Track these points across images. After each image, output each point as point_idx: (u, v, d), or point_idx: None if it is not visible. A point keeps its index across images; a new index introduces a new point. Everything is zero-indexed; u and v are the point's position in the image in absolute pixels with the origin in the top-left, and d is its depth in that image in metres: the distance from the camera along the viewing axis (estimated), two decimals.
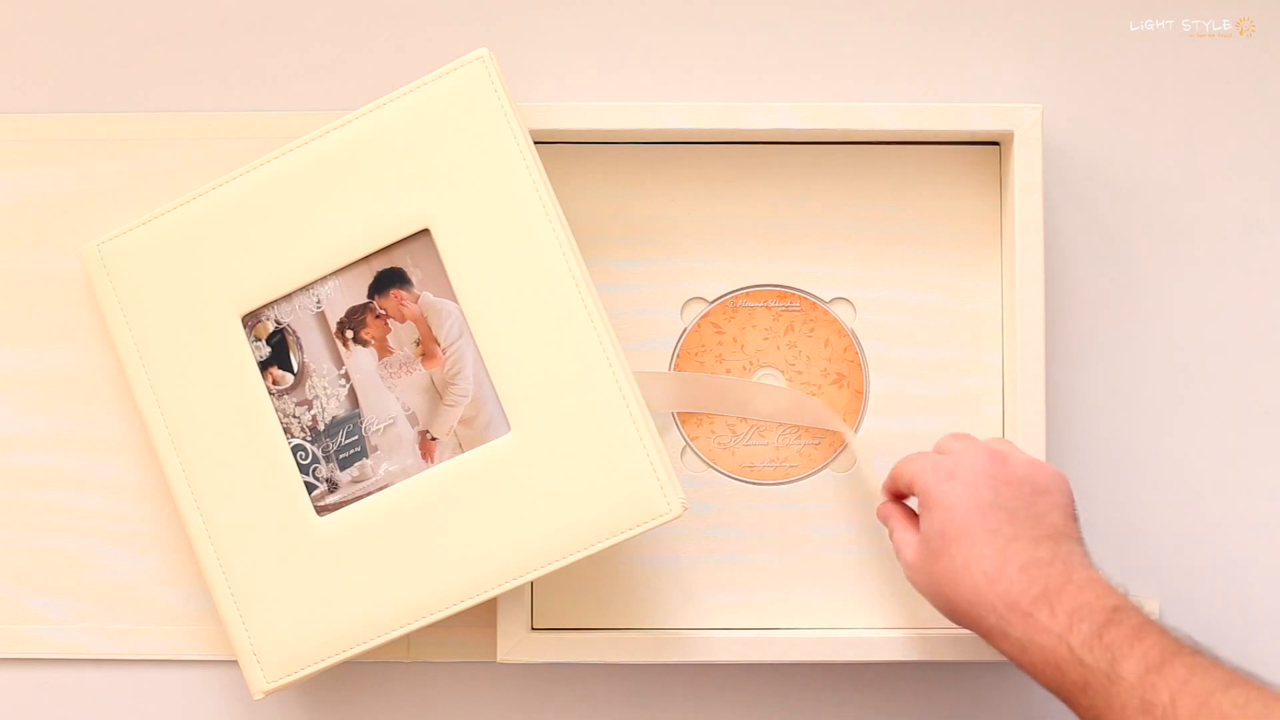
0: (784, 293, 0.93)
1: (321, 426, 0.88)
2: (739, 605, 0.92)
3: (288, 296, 0.88)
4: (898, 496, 0.87)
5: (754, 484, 0.93)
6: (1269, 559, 0.94)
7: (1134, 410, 0.95)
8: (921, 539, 0.81)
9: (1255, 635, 0.94)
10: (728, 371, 0.93)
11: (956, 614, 0.80)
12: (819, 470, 0.93)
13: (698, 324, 0.93)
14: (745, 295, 0.93)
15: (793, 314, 0.93)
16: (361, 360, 0.88)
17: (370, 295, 0.87)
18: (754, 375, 0.93)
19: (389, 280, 0.87)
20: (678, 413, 0.93)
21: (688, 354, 0.93)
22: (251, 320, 0.88)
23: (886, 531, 0.88)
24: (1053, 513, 0.80)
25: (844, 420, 0.93)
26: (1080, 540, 0.80)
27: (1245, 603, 0.94)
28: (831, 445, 0.93)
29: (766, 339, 0.93)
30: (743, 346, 0.93)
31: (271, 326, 0.88)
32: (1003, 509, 0.79)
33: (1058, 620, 0.75)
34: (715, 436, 0.93)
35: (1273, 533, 0.94)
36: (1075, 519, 0.81)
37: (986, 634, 0.78)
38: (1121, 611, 0.74)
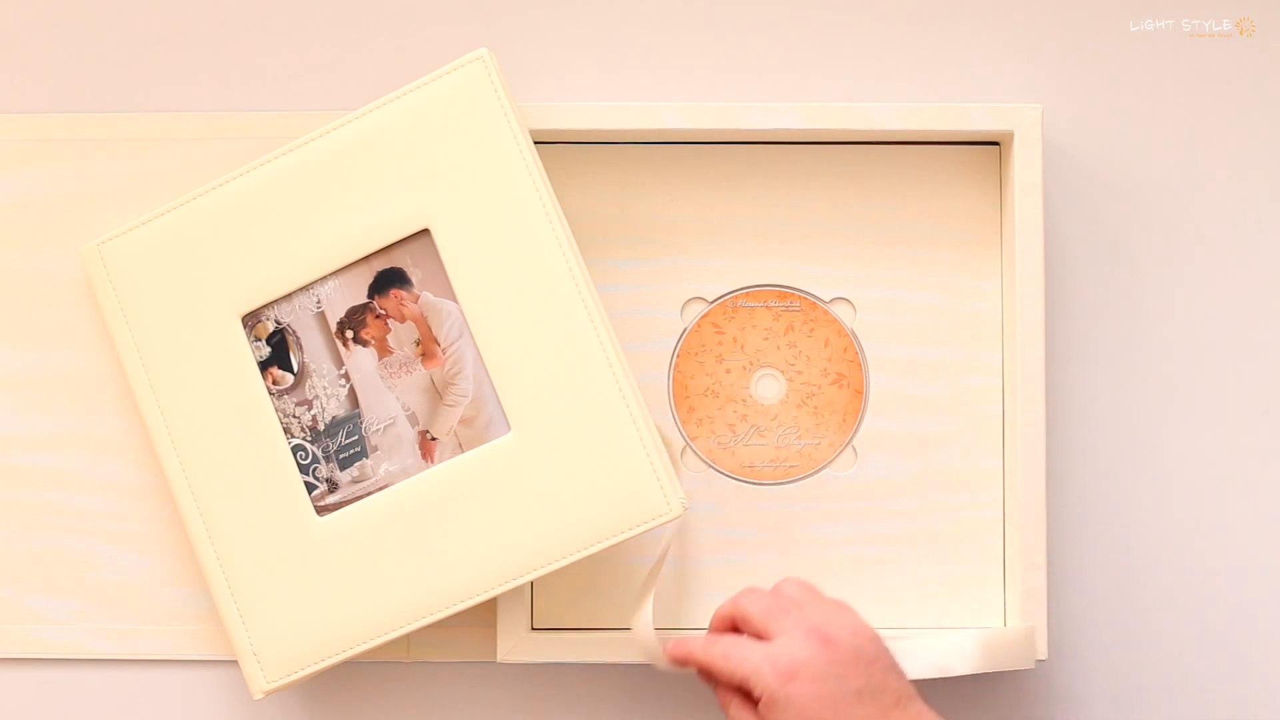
0: (784, 293, 0.93)
1: (321, 426, 0.88)
2: None
3: (288, 296, 0.88)
4: (729, 627, 0.84)
5: (754, 484, 0.93)
6: (1269, 559, 0.94)
7: (1134, 410, 0.95)
8: None
9: (1255, 635, 0.94)
10: (728, 372, 0.93)
11: None
12: (819, 470, 0.93)
13: (698, 324, 0.93)
14: (745, 295, 0.93)
15: (793, 314, 0.93)
16: (361, 360, 0.88)
17: (370, 295, 0.87)
18: (754, 375, 0.93)
19: (389, 280, 0.87)
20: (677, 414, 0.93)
21: (688, 354, 0.93)
22: (251, 320, 0.88)
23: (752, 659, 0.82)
24: (889, 676, 0.80)
25: (843, 419, 0.93)
26: (915, 693, 0.81)
27: (1245, 603, 0.94)
28: (831, 445, 0.93)
29: (766, 339, 0.93)
30: (743, 346, 0.93)
31: (271, 326, 0.88)
32: (849, 694, 0.78)
33: None
34: (715, 436, 0.93)
35: (1273, 533, 0.94)
36: (901, 671, 0.81)
37: None
38: None
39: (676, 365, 0.93)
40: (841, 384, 0.93)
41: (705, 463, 0.93)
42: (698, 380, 0.93)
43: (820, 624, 0.80)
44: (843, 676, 0.79)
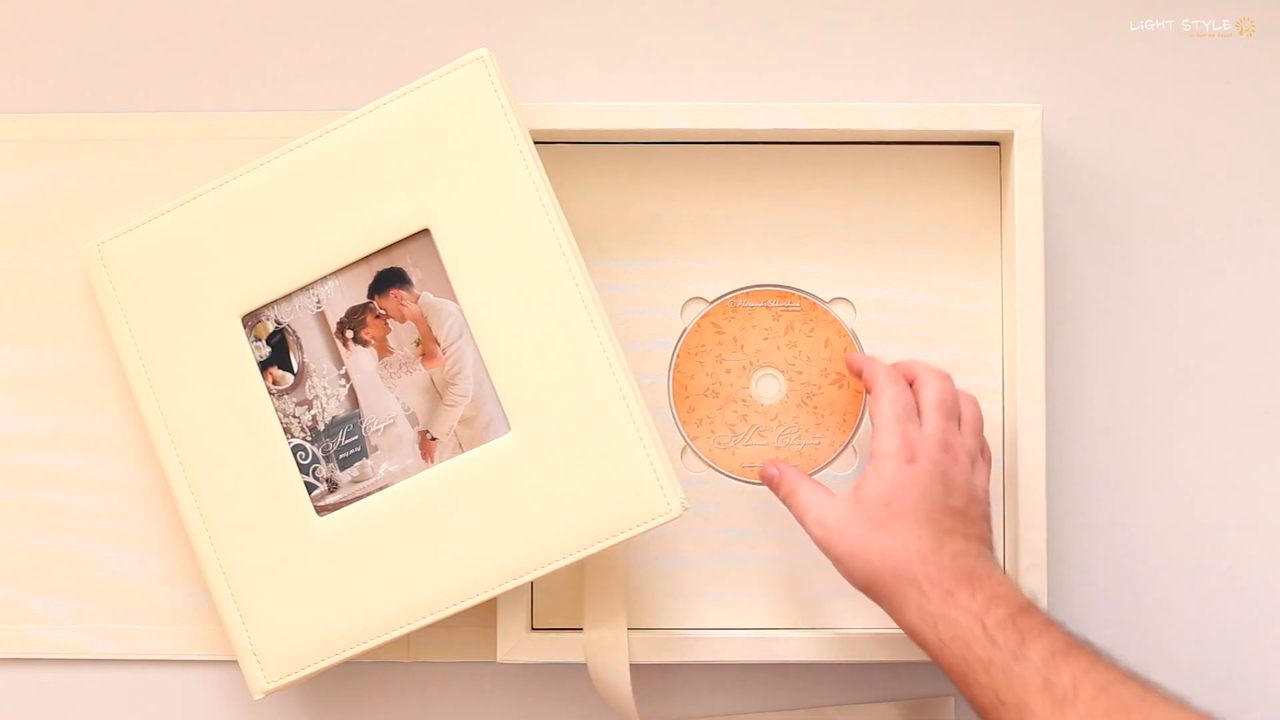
0: (784, 293, 0.93)
1: (321, 426, 0.88)
2: (739, 605, 0.92)
3: (288, 296, 0.88)
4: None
5: (754, 484, 0.93)
6: (1269, 559, 0.94)
7: (1134, 410, 0.95)
8: (859, 503, 0.83)
9: (1256, 635, 0.94)
10: (728, 372, 0.93)
11: (874, 581, 0.82)
12: (819, 470, 0.93)
13: (698, 324, 0.93)
14: (745, 295, 0.93)
15: (793, 314, 0.93)
16: (361, 360, 0.88)
17: (370, 295, 0.87)
18: (754, 375, 0.93)
19: (389, 280, 0.87)
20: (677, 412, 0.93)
21: (688, 354, 0.93)
22: (251, 320, 0.88)
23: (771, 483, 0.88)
24: (982, 522, 0.84)
25: (844, 420, 0.93)
26: (995, 549, 0.85)
27: (1244, 603, 0.94)
28: (832, 445, 0.93)
29: (766, 339, 0.93)
30: (743, 346, 0.93)
31: (271, 326, 0.88)
32: (948, 506, 0.82)
33: (976, 601, 0.78)
34: (715, 437, 0.93)
35: (1272, 533, 0.94)
36: (993, 528, 0.85)
37: (899, 604, 0.81)
38: (1034, 608, 0.79)
39: (676, 365, 0.93)
40: (842, 384, 0.93)
41: (705, 462, 0.93)
42: (698, 380, 0.93)
43: (960, 443, 0.85)
44: (950, 490, 0.83)
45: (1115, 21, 0.96)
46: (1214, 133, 0.96)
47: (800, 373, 0.93)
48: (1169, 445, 0.95)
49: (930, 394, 0.85)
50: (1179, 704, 0.72)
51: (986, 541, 0.83)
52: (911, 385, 0.87)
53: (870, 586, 0.82)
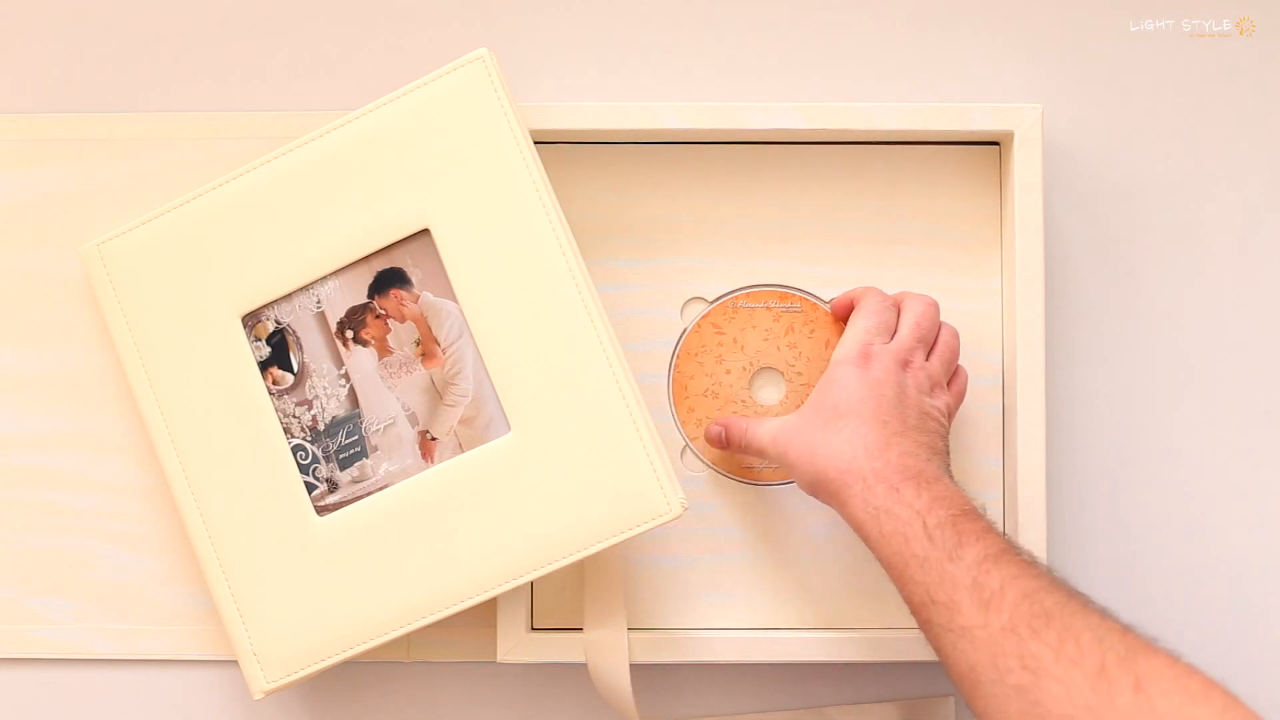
0: (784, 293, 0.93)
1: (321, 426, 0.88)
2: (739, 605, 0.92)
3: (288, 296, 0.88)
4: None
5: (754, 484, 0.93)
6: (1269, 559, 0.94)
7: (1134, 410, 0.95)
8: (810, 408, 0.85)
9: (1255, 635, 0.94)
10: (728, 373, 0.93)
11: (821, 479, 0.83)
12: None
13: (698, 324, 0.93)
14: (745, 296, 0.93)
15: (793, 315, 0.93)
16: (361, 360, 0.88)
17: (370, 295, 0.87)
18: (754, 376, 0.93)
19: (389, 280, 0.87)
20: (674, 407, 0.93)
21: (688, 354, 0.93)
22: (251, 320, 0.88)
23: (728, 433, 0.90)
24: (935, 436, 0.84)
25: None
26: (949, 464, 0.84)
27: (1244, 603, 0.94)
28: None
29: (767, 340, 0.93)
30: (743, 347, 0.93)
31: (271, 326, 0.88)
32: (898, 409, 0.83)
33: (920, 499, 0.79)
34: None
35: (1272, 533, 0.94)
36: (948, 451, 0.85)
37: (844, 498, 0.81)
38: (975, 514, 0.79)
39: (676, 366, 0.93)
40: None
41: (705, 463, 0.93)
42: (698, 381, 0.93)
43: (921, 365, 0.86)
44: (902, 398, 0.84)
45: (1115, 21, 0.96)
46: (1214, 133, 0.96)
47: (800, 374, 0.93)
48: (1169, 445, 0.95)
49: (909, 316, 0.87)
50: (1100, 613, 0.71)
51: (938, 451, 0.83)
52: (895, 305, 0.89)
53: (818, 485, 0.83)
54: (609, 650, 0.88)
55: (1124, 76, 0.96)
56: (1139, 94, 0.96)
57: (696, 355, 0.93)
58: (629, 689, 0.88)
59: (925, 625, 0.77)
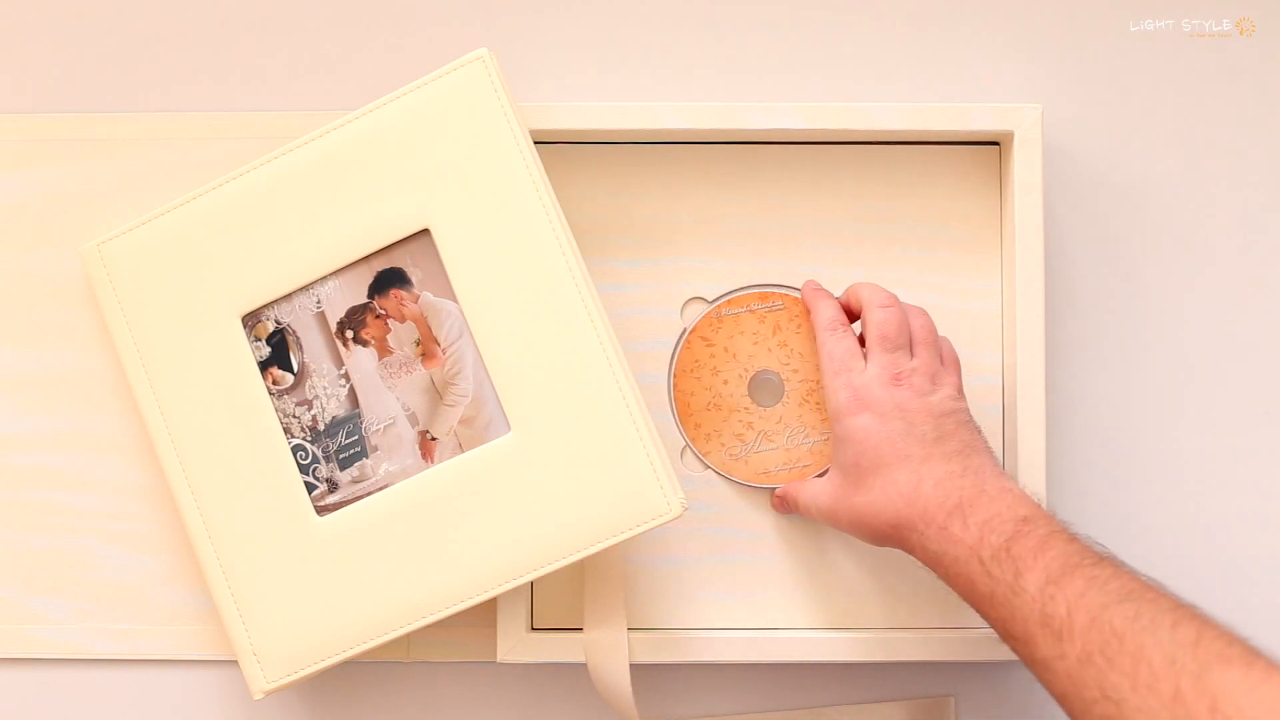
0: (764, 294, 0.93)
1: (321, 426, 0.88)
2: (739, 605, 0.92)
3: (288, 296, 0.88)
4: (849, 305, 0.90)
5: (754, 484, 0.93)
6: (1269, 559, 0.94)
7: (1134, 410, 0.95)
8: (837, 471, 0.85)
9: (1255, 635, 0.94)
10: (725, 383, 0.93)
11: (881, 538, 0.83)
12: (828, 469, 0.92)
13: (687, 340, 0.93)
14: (727, 303, 0.93)
15: (777, 313, 0.93)
16: (361, 360, 0.88)
17: (370, 295, 0.87)
18: (750, 381, 0.93)
19: (389, 280, 0.87)
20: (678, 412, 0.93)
21: (684, 372, 0.93)
22: (251, 320, 0.88)
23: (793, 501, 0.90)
24: (960, 431, 0.83)
25: None
26: (988, 449, 0.84)
27: (1246, 603, 0.94)
28: None
29: (756, 343, 0.93)
30: (734, 355, 0.93)
31: (271, 326, 0.88)
32: (912, 435, 0.82)
33: (969, 533, 0.78)
34: (726, 449, 0.92)
35: (1273, 533, 0.94)
36: (978, 430, 0.85)
37: (910, 549, 0.82)
38: (1030, 523, 0.77)
39: (675, 384, 0.93)
40: None
41: (721, 475, 0.92)
42: (699, 397, 0.93)
43: (910, 370, 0.85)
44: (910, 419, 0.83)
45: (1115, 21, 0.96)
46: (1214, 133, 0.96)
47: (796, 371, 0.93)
48: (1169, 445, 0.95)
49: (872, 329, 0.86)
50: (1172, 620, 0.70)
51: (971, 449, 0.83)
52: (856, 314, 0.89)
53: (882, 543, 0.84)
54: (609, 650, 0.88)
55: (1124, 76, 0.96)
56: (1139, 94, 0.96)
57: (692, 371, 0.93)
58: (629, 689, 0.88)
59: (1015, 653, 0.76)
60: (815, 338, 0.89)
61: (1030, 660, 0.75)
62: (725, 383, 0.93)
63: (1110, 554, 0.76)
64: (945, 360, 0.88)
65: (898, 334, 0.86)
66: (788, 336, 0.93)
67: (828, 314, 0.88)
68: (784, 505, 0.91)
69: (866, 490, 0.83)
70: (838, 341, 0.87)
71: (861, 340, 0.88)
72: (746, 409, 0.93)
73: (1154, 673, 0.69)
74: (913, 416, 0.83)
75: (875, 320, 0.86)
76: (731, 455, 0.92)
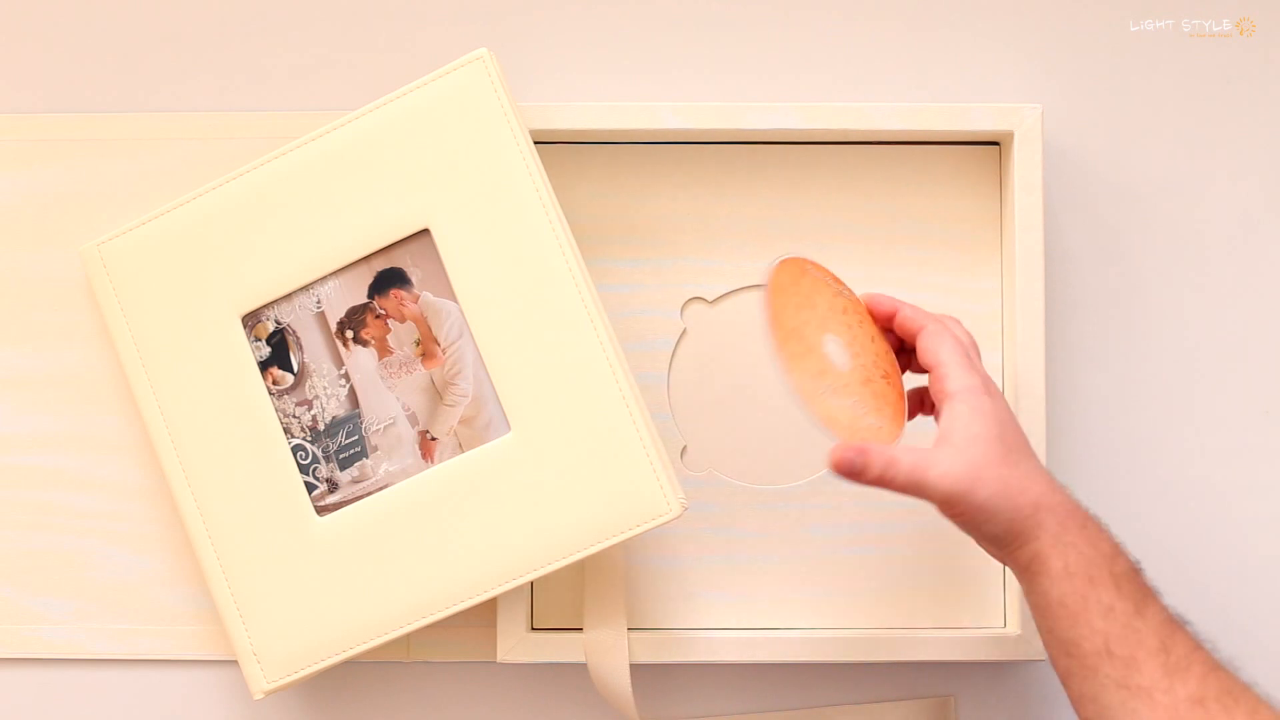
0: (837, 278, 0.91)
1: (321, 426, 0.88)
2: (739, 605, 0.92)
3: (288, 296, 0.88)
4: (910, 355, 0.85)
5: (754, 484, 0.93)
6: (1269, 559, 0.94)
7: (1134, 410, 0.95)
8: (979, 442, 0.77)
9: (1256, 635, 0.94)
10: (807, 323, 0.86)
11: (1018, 517, 0.77)
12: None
13: (782, 264, 0.85)
14: (813, 264, 0.89)
15: (845, 298, 0.91)
16: (361, 360, 0.88)
17: (370, 295, 0.87)
18: (825, 336, 0.87)
19: (389, 280, 0.87)
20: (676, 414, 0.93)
21: (780, 290, 0.87)
22: (251, 320, 0.88)
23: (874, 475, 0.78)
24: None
25: (893, 415, 0.86)
26: None
27: (1246, 603, 0.94)
28: (890, 435, 0.90)
29: (830, 310, 0.88)
30: (814, 306, 0.86)
31: (271, 326, 0.88)
32: (1025, 438, 0.80)
33: (1104, 543, 0.76)
34: (809, 374, 0.85)
35: (1273, 533, 0.94)
36: None
37: (1034, 534, 0.76)
38: (1142, 569, 0.77)
39: (771, 298, 0.87)
40: (891, 381, 0.91)
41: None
42: (788, 314, 0.86)
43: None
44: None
45: (1115, 21, 0.96)
46: (1214, 133, 0.96)
47: (857, 355, 0.84)
48: (1169, 445, 0.95)
49: (964, 337, 0.83)
50: (1271, 709, 0.72)
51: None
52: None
53: (1013, 524, 0.77)
54: (609, 650, 0.88)
55: (1124, 76, 0.96)
56: (1139, 94, 0.96)
57: (787, 291, 0.84)
58: (629, 689, 0.88)
59: (1087, 672, 0.74)
60: (914, 329, 0.82)
61: (1119, 683, 0.73)
62: (807, 322, 0.84)
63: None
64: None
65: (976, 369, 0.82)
66: (852, 322, 0.85)
67: (950, 338, 0.82)
68: (859, 467, 0.78)
69: (1016, 465, 0.77)
70: (958, 334, 0.82)
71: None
72: (824, 356, 0.84)
73: None
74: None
75: (963, 335, 0.83)
76: (815, 384, 0.83)
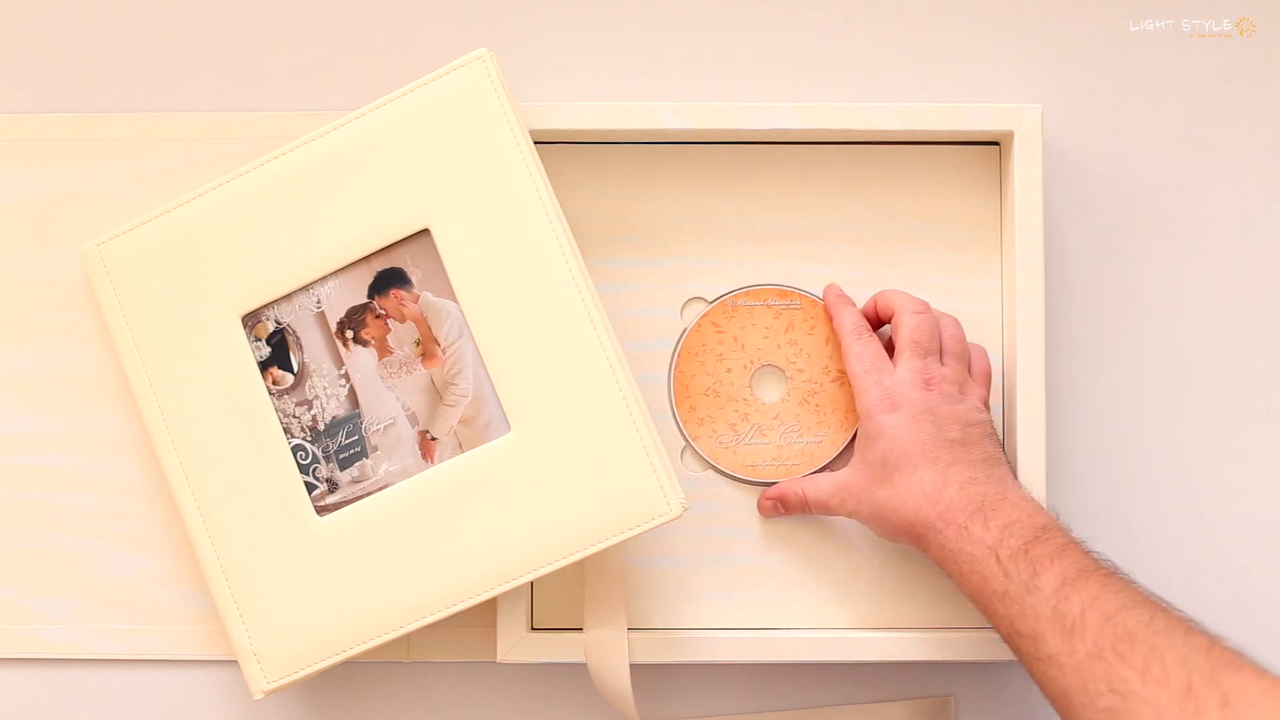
0: (783, 291, 0.93)
1: (321, 426, 0.88)
2: (739, 605, 0.92)
3: (288, 296, 0.88)
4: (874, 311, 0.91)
5: (754, 483, 0.93)
6: (1269, 559, 0.94)
7: (1134, 410, 0.95)
8: (861, 466, 0.87)
9: (1255, 635, 0.94)
10: (729, 371, 0.93)
11: (897, 533, 0.85)
12: (820, 469, 0.93)
13: (698, 324, 0.93)
14: (745, 294, 0.93)
15: (793, 312, 0.93)
16: (361, 360, 0.88)
17: (370, 295, 0.87)
18: (755, 373, 0.93)
19: (389, 280, 0.87)
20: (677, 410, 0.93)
21: (688, 354, 0.93)
22: (251, 320, 0.88)
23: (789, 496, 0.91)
24: (984, 441, 0.86)
25: (845, 417, 0.93)
26: (1009, 464, 0.87)
27: (1245, 603, 0.94)
28: (834, 443, 0.93)
29: (767, 337, 0.93)
30: (743, 345, 0.93)
31: (271, 326, 0.88)
32: (941, 439, 0.84)
33: (990, 533, 0.80)
34: (717, 436, 0.93)
35: (1273, 533, 0.94)
36: (1000, 444, 0.87)
37: (923, 546, 0.84)
38: (1049, 531, 0.80)
39: (677, 365, 0.93)
40: (843, 382, 0.93)
41: (707, 462, 0.93)
42: (698, 380, 0.93)
43: (940, 376, 0.86)
44: (939, 424, 0.85)
45: (1115, 21, 0.96)
46: (1214, 133, 0.96)
47: (801, 370, 0.93)
48: (1169, 445, 0.95)
49: (904, 333, 0.88)
50: (1185, 629, 0.72)
51: (994, 460, 0.85)
52: (885, 320, 0.90)
53: (897, 539, 0.86)
54: (609, 650, 0.88)
55: (1124, 76, 0.96)
56: (1139, 94, 0.96)
57: (697, 354, 0.93)
58: (629, 689, 0.88)
59: (1016, 653, 0.78)
60: (839, 342, 0.90)
61: (1034, 657, 0.76)
62: (729, 370, 0.93)
63: (1121, 570, 0.78)
64: (976, 372, 0.89)
65: (929, 340, 0.87)
66: (799, 336, 0.93)
67: (852, 320, 0.90)
68: (780, 506, 0.91)
69: (892, 486, 0.84)
70: (865, 345, 0.88)
71: (888, 347, 0.89)
72: (745, 400, 0.93)
73: (1166, 669, 0.69)
74: (942, 420, 0.85)
75: (909, 325, 0.88)
76: (721, 443, 0.92)
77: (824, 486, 0.89)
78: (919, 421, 0.85)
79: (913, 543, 0.85)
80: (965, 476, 0.83)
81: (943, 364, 0.87)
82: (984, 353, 0.90)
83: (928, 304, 0.89)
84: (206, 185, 0.89)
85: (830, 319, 0.92)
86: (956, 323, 0.90)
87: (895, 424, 0.85)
